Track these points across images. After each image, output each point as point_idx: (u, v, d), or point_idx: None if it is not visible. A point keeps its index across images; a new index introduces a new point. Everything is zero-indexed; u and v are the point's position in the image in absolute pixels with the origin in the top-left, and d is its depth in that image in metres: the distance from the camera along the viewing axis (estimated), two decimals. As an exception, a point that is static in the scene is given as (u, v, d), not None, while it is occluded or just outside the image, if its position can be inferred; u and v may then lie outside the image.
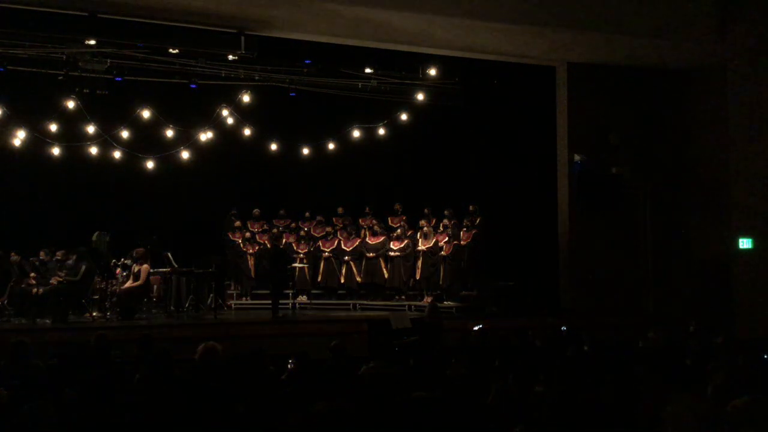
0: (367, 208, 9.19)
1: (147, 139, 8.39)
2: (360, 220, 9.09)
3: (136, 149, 8.30)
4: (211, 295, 7.81)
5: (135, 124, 8.18)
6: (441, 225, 8.52)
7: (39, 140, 8.02)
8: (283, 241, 8.37)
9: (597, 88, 8.33)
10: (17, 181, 8.45)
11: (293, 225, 9.18)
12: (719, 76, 8.07)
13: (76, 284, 6.99)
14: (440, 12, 7.00)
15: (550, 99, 8.54)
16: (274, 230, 8.79)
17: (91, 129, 8.05)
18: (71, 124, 8.06)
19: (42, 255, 7.81)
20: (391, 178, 9.29)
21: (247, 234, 8.91)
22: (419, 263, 8.54)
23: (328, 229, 9.03)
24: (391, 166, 9.19)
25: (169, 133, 8.36)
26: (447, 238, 8.29)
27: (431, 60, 8.24)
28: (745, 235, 7.68)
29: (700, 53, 7.99)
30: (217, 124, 8.38)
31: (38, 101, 7.97)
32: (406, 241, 8.61)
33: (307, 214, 9.24)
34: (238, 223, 8.86)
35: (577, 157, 8.13)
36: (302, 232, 9.06)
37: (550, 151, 8.52)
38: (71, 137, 8.16)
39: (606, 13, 7.28)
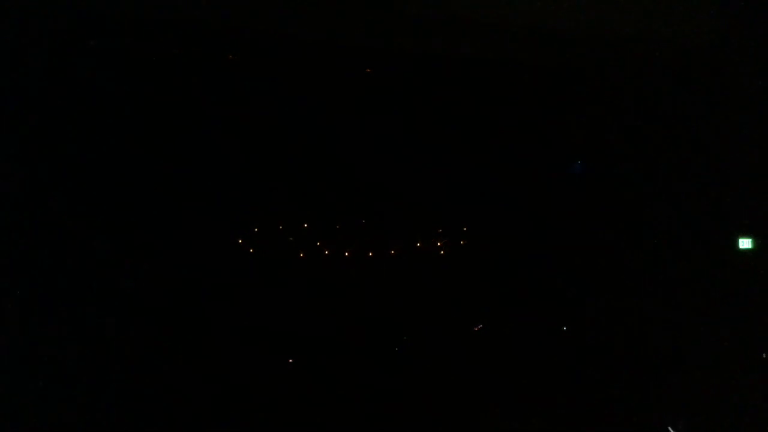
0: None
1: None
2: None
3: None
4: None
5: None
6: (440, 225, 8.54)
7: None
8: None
9: (596, 87, 8.33)
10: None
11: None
12: (719, 74, 8.07)
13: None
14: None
15: (549, 98, 8.53)
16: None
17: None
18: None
19: None
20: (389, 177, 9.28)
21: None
22: (417, 263, 8.54)
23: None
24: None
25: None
26: (446, 239, 8.31)
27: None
28: (745, 235, 7.68)
29: (700, 52, 7.99)
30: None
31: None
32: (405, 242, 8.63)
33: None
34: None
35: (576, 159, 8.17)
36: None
37: (550, 151, 8.52)
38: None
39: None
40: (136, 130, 8.30)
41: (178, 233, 8.46)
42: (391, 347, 7.61)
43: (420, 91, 8.50)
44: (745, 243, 7.70)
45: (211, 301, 7.83)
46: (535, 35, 7.55)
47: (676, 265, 8.33)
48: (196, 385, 6.94)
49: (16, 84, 7.21)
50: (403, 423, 6.91)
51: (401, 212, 9.08)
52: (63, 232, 7.78)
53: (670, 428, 6.69)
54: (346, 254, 8.92)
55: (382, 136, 8.93)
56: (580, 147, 8.34)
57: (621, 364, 7.43)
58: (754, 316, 7.43)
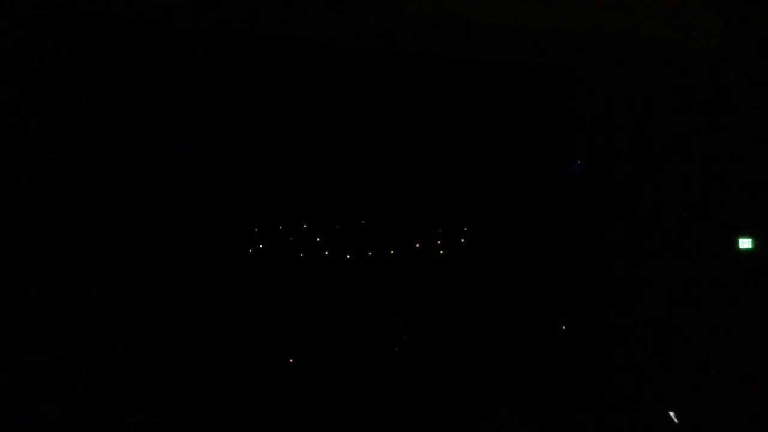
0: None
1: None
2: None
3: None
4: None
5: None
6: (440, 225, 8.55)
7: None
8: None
9: (596, 87, 8.34)
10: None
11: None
12: (719, 75, 8.07)
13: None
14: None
15: (548, 98, 8.53)
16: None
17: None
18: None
19: None
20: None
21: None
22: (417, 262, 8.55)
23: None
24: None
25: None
26: (446, 239, 8.31)
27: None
28: (745, 235, 7.68)
29: (700, 53, 7.99)
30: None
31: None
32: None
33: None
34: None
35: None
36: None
37: (550, 151, 8.52)
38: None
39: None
40: (136, 131, 8.31)
41: (178, 233, 8.47)
42: (391, 347, 7.61)
43: (420, 91, 8.50)
44: (745, 243, 7.70)
45: (212, 301, 7.83)
46: (535, 35, 7.54)
47: (676, 265, 8.33)
48: (196, 385, 6.94)
49: (17, 84, 7.22)
50: (403, 423, 6.91)
51: (401, 212, 9.07)
52: (64, 233, 7.80)
53: (671, 413, 6.70)
54: (347, 255, 8.91)
55: (382, 136, 8.93)
56: (580, 147, 8.34)
57: (620, 362, 7.42)
58: (754, 316, 7.43)
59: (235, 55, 7.79)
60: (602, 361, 7.51)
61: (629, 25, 7.46)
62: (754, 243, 7.64)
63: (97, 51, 7.36)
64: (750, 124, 7.77)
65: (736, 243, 7.72)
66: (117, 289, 7.54)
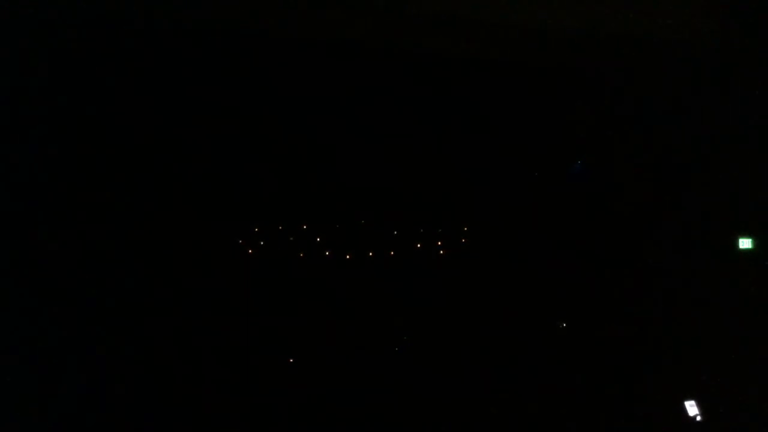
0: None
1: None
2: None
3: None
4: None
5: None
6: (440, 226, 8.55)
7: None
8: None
9: (596, 87, 8.33)
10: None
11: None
12: (719, 74, 8.07)
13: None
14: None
15: (549, 98, 8.53)
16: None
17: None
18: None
19: None
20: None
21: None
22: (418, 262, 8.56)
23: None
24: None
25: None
26: (446, 239, 8.32)
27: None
28: (745, 235, 7.68)
29: (700, 53, 8.00)
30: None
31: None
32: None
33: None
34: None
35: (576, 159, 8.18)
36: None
37: (550, 151, 8.52)
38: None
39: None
40: (136, 130, 8.30)
41: (178, 233, 8.47)
42: (391, 347, 7.62)
43: (420, 91, 8.49)
44: (745, 243, 7.70)
45: (212, 301, 7.83)
46: (535, 35, 7.55)
47: (677, 265, 8.34)
48: (196, 385, 6.95)
49: (17, 84, 7.21)
50: (403, 423, 6.92)
51: (401, 212, 9.07)
52: (64, 232, 7.80)
53: (686, 404, 6.69)
54: (347, 255, 8.91)
55: (382, 136, 8.92)
56: (580, 147, 8.34)
57: (619, 363, 7.43)
58: (754, 316, 7.44)
59: (235, 54, 7.79)
60: (601, 361, 7.51)
61: (629, 25, 7.46)
62: (754, 243, 7.65)
63: (96, 50, 7.37)
64: (750, 124, 7.77)
65: (736, 243, 7.73)
66: (114, 290, 7.54)
